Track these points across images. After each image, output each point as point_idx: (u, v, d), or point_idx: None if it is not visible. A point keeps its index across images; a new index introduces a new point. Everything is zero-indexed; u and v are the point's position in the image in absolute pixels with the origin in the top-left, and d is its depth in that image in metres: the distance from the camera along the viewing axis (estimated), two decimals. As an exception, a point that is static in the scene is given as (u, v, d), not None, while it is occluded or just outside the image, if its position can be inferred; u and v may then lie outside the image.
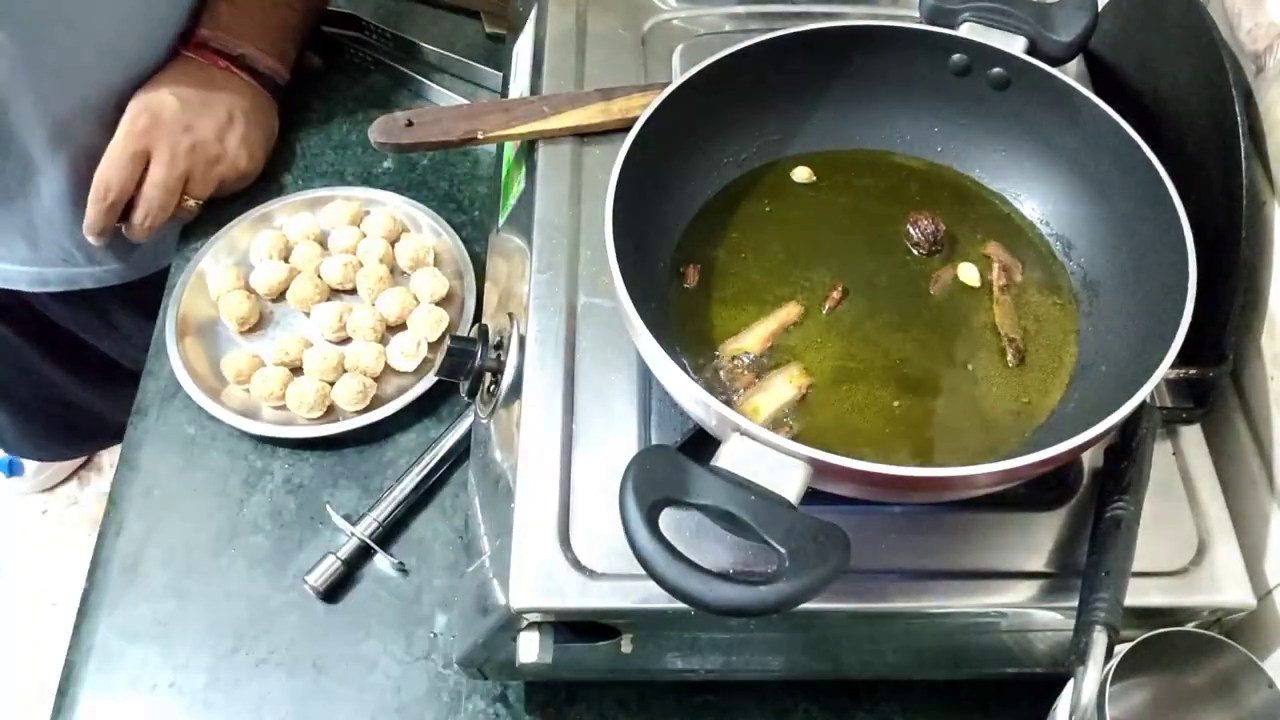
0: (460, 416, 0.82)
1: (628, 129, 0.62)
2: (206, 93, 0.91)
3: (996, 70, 0.68)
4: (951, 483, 0.55)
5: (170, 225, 0.92)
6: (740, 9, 0.86)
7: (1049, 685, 0.61)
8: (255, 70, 0.94)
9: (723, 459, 0.50)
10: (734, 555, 0.58)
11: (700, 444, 0.54)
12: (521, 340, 0.66)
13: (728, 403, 0.58)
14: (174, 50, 0.93)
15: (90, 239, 0.91)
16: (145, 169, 0.89)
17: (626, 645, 0.62)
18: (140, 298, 1.03)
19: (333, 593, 0.76)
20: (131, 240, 0.92)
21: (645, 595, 0.56)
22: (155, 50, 0.92)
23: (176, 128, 0.88)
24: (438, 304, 0.87)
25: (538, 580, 0.58)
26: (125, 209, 0.90)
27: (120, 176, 0.87)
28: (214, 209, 0.94)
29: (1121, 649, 0.56)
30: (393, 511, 0.78)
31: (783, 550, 0.47)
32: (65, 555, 1.73)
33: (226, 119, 0.91)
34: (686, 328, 0.65)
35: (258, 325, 0.88)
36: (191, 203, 0.90)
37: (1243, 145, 0.62)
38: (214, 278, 0.88)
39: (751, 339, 0.64)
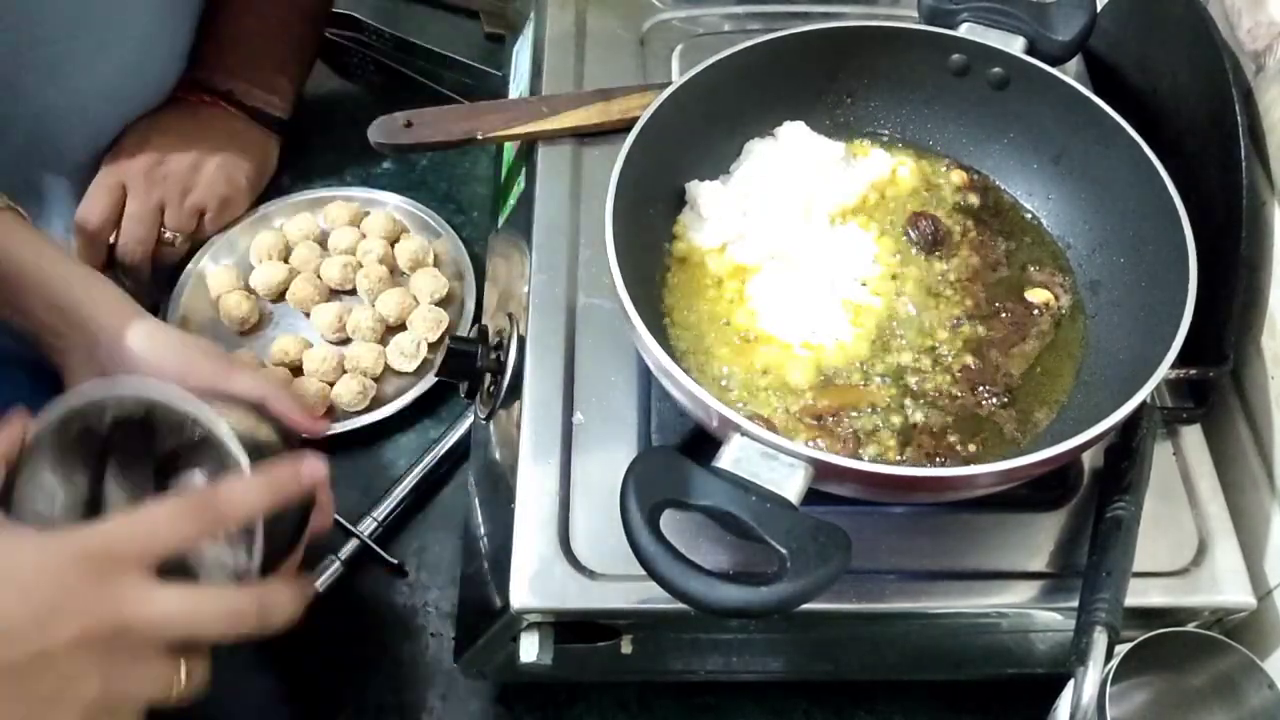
0: (460, 417, 0.82)
1: (628, 129, 0.62)
2: (189, 126, 0.92)
3: (996, 70, 0.68)
4: (951, 483, 0.55)
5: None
6: (739, 9, 0.86)
7: (1049, 686, 0.61)
8: (243, 104, 0.94)
9: (724, 460, 0.50)
10: (734, 556, 0.58)
11: (700, 444, 0.54)
12: (521, 340, 0.66)
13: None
14: (172, 94, 0.94)
15: None
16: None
17: (626, 646, 0.62)
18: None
19: (333, 593, 0.76)
20: (129, 283, 0.91)
21: (645, 596, 0.56)
22: (156, 93, 0.93)
23: (150, 160, 0.89)
24: (438, 304, 0.87)
25: (538, 581, 0.58)
26: None
27: (96, 208, 0.87)
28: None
29: (1122, 649, 0.56)
30: (392, 512, 0.78)
31: (784, 551, 0.47)
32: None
33: (207, 149, 0.91)
34: (686, 328, 0.65)
35: (257, 325, 0.87)
36: (168, 235, 0.89)
37: (1243, 145, 0.62)
38: (214, 278, 0.88)
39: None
